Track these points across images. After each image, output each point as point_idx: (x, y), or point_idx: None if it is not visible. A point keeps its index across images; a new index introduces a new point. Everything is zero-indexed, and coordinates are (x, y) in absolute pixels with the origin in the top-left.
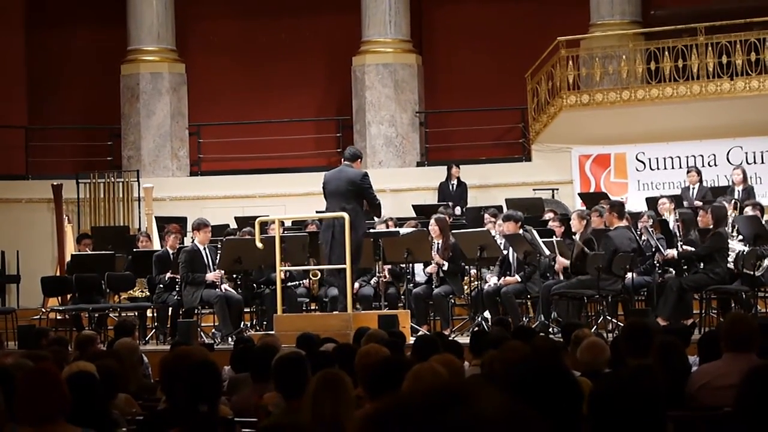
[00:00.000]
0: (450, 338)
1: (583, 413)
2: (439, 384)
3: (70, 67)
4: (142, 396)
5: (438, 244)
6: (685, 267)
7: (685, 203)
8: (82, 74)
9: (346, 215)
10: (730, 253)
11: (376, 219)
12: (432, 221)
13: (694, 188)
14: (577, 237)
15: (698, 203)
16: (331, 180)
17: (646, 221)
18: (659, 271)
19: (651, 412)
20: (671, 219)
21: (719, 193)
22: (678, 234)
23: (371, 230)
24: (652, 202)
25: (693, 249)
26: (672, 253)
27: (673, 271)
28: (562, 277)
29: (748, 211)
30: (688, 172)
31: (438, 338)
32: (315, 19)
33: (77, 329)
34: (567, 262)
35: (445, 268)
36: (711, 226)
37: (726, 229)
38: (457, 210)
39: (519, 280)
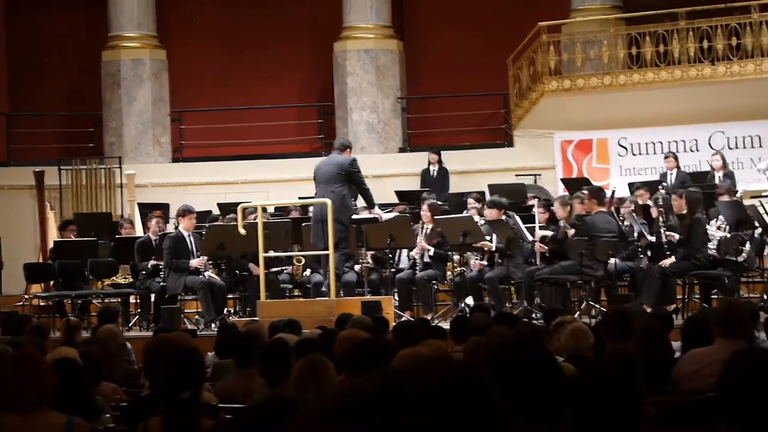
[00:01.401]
0: (433, 324)
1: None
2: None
3: (52, 53)
4: (125, 382)
5: (428, 229)
6: (668, 253)
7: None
8: (63, 61)
9: (329, 201)
10: (710, 238)
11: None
12: (425, 206)
13: (672, 174)
14: (562, 224)
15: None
16: (321, 166)
17: (629, 206)
18: (641, 257)
19: (625, 396)
20: (652, 205)
21: (699, 178)
22: (661, 220)
23: (354, 216)
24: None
25: (675, 234)
26: (662, 240)
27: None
28: (538, 261)
29: (725, 199)
30: (665, 157)
31: (420, 324)
32: (297, 5)
33: (60, 316)
34: (548, 234)
35: (431, 253)
36: (685, 212)
37: (705, 213)
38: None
39: (493, 247)
